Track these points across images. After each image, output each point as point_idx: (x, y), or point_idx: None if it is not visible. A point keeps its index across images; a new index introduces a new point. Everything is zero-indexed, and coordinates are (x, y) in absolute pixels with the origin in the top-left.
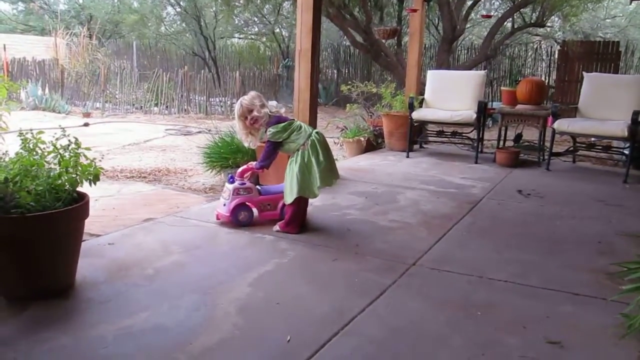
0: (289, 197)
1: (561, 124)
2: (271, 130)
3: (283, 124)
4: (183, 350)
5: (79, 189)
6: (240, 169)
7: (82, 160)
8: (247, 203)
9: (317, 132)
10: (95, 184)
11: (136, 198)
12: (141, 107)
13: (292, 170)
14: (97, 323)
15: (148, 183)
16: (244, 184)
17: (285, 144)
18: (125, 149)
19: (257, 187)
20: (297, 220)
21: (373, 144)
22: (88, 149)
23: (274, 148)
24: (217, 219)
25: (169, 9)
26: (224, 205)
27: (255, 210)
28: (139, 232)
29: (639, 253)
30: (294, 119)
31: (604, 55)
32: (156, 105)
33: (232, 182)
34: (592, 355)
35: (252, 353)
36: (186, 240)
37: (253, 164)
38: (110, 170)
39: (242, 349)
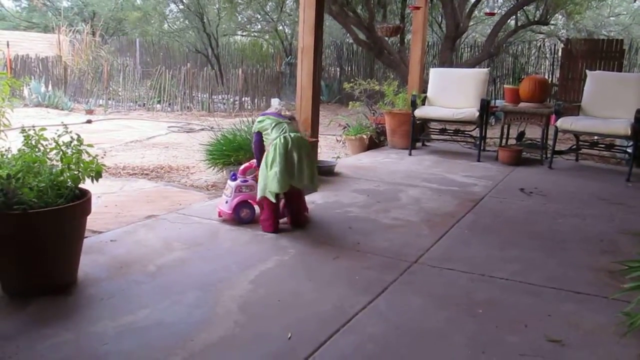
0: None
1: (564, 122)
2: (256, 120)
3: (265, 116)
4: (184, 347)
5: (81, 185)
6: (242, 166)
7: (84, 157)
8: (249, 200)
9: (292, 135)
10: (97, 180)
11: (138, 195)
12: (144, 104)
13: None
14: (98, 319)
15: (150, 180)
16: (246, 181)
17: (265, 138)
18: (127, 146)
19: None
20: (268, 219)
21: (375, 142)
22: (90, 145)
23: (257, 139)
24: (219, 216)
25: (172, 6)
26: (226, 202)
27: (257, 208)
28: (141, 229)
29: None
30: (286, 120)
31: (608, 54)
32: (159, 102)
33: (235, 180)
34: (592, 354)
35: (253, 350)
36: (188, 237)
37: (254, 161)
38: (112, 167)
39: (243, 345)
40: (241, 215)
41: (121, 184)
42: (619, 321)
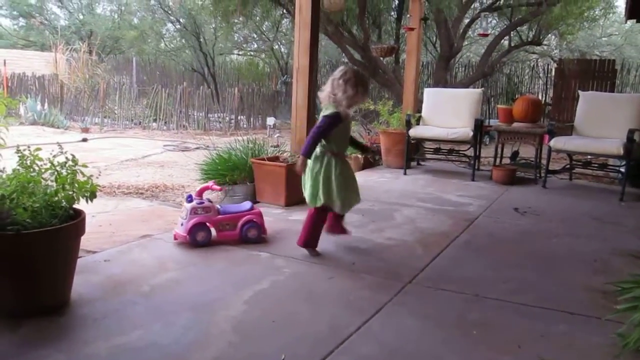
0: (316, 201)
1: (557, 142)
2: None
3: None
4: None
5: (75, 205)
6: (199, 188)
7: (79, 177)
8: (205, 222)
9: None
10: (91, 201)
11: (133, 214)
12: (140, 122)
13: (336, 171)
14: (91, 340)
15: (145, 199)
16: (202, 202)
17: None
18: (123, 165)
19: (218, 206)
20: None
21: (370, 161)
22: (85, 165)
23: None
24: (175, 239)
25: (169, 25)
26: (181, 225)
27: (213, 230)
28: (135, 249)
29: (634, 272)
30: None
31: (600, 73)
32: (155, 120)
33: (190, 201)
34: None
35: None
36: (182, 257)
37: (211, 182)
38: (107, 186)
39: None
40: (197, 238)
41: (116, 203)
42: (612, 342)
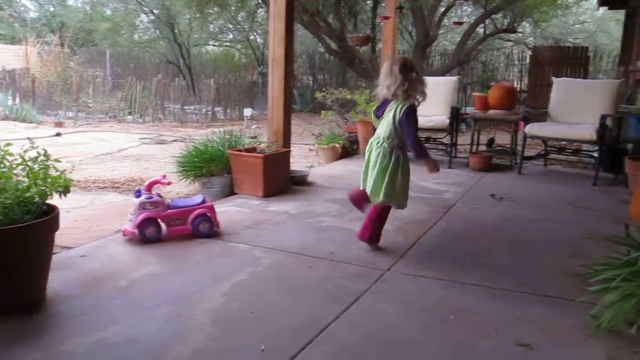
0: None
1: (532, 128)
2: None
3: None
4: None
5: (49, 201)
6: (147, 182)
7: (52, 172)
8: (154, 218)
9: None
10: (65, 196)
11: (109, 209)
12: (115, 115)
13: (402, 169)
14: (68, 337)
15: (121, 193)
16: (151, 197)
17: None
18: (98, 159)
19: (168, 201)
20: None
21: (348, 150)
22: (58, 160)
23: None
24: (124, 235)
25: (142, 16)
26: (130, 220)
27: (163, 226)
28: (112, 244)
29: (606, 255)
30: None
31: (574, 60)
32: (130, 114)
33: (139, 196)
34: (561, 356)
35: None
36: (159, 251)
37: (160, 176)
38: (82, 181)
39: (216, 359)
40: (146, 233)
41: (91, 197)
42: (586, 323)
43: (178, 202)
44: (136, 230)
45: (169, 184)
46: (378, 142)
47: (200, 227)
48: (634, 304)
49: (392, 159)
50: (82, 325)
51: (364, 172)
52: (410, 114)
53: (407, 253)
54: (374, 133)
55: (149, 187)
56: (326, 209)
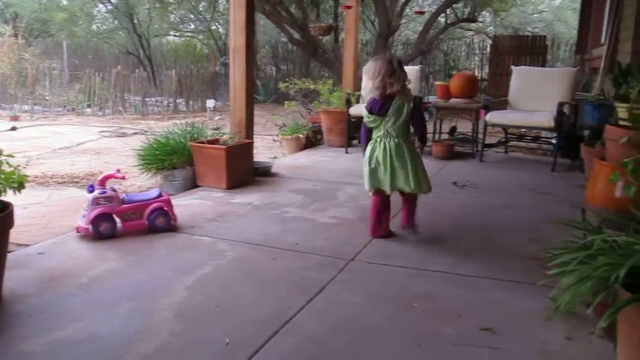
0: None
1: (492, 117)
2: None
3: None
4: None
5: (2, 197)
6: (101, 176)
7: (5, 167)
8: (108, 213)
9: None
10: (19, 192)
11: (68, 204)
12: (73, 108)
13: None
14: (27, 337)
15: (81, 188)
16: (105, 192)
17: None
18: (56, 153)
19: (122, 195)
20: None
21: (312, 141)
22: (11, 155)
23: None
24: (77, 231)
25: (100, 6)
26: (83, 216)
27: (118, 221)
28: (71, 240)
29: (564, 239)
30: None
31: (533, 49)
32: (89, 106)
33: (92, 192)
34: (522, 339)
35: (190, 358)
36: (121, 246)
37: (114, 170)
38: (40, 176)
39: (180, 354)
40: (100, 229)
41: (49, 193)
42: (546, 306)
43: (133, 196)
44: (90, 227)
45: (123, 178)
46: (394, 141)
47: (157, 221)
48: (590, 286)
49: (412, 149)
50: (41, 324)
51: (386, 173)
52: (420, 106)
53: (372, 242)
54: (367, 132)
55: (103, 182)
56: (290, 200)
